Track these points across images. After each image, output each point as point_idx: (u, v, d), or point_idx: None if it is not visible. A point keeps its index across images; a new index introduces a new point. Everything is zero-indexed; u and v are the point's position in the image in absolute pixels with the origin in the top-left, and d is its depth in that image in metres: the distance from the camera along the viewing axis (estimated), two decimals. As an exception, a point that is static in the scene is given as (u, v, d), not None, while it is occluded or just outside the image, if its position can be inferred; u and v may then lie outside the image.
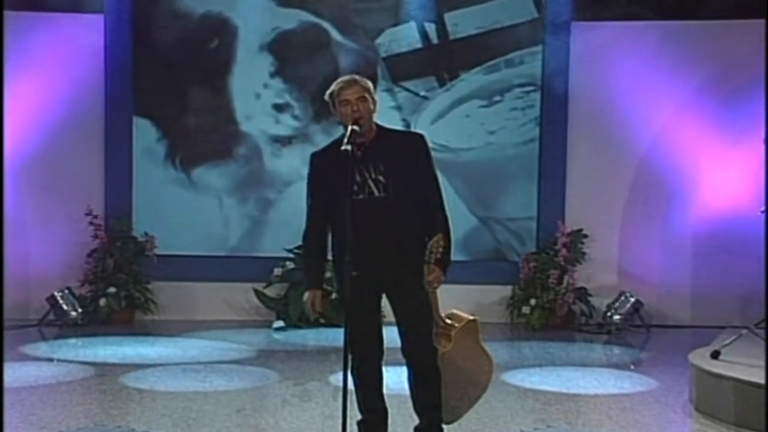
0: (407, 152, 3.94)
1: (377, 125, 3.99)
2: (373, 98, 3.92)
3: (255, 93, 8.05)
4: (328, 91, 3.94)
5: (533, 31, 7.94)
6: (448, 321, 4.09)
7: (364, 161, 3.88)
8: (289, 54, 8.03)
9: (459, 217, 7.68)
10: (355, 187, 3.86)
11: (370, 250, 3.83)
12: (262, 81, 8.04)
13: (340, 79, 3.96)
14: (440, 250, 3.82)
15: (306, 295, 4.05)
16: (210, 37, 8.01)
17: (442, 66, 8.05)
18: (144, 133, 8.01)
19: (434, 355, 4.00)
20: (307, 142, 7.83)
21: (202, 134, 8.05)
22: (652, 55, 7.89)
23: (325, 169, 3.96)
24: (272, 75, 8.04)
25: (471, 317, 4.13)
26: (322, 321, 7.57)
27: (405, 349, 4.02)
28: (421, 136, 4.05)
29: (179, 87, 8.01)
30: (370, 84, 3.95)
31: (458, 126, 8.05)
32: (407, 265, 3.91)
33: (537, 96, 7.97)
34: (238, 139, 8.06)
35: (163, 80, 7.99)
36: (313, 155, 4.09)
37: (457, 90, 8.05)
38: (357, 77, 3.96)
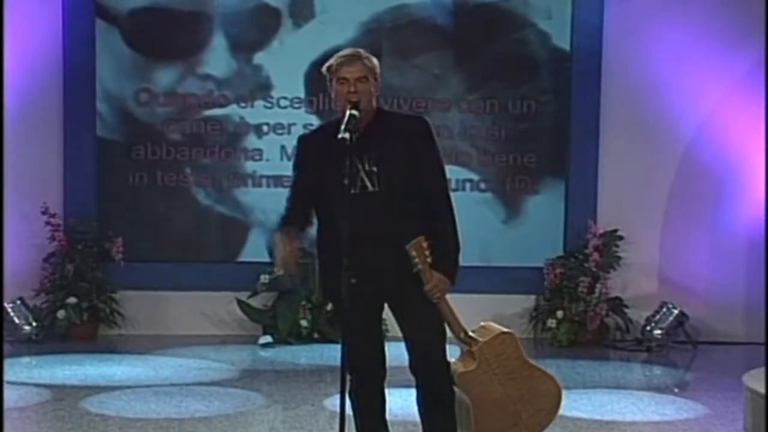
0: (405, 138, 3.95)
1: (378, 108, 3.99)
2: (376, 79, 3.94)
3: (234, 72, 8.03)
4: (326, 65, 3.96)
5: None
6: (472, 334, 4.06)
7: (358, 150, 3.86)
8: (275, 25, 8.01)
9: (474, 215, 7.67)
10: (347, 181, 3.85)
11: (367, 253, 3.83)
12: (242, 57, 8.03)
13: (341, 53, 3.96)
14: (426, 252, 3.82)
15: (276, 236, 3.98)
16: (181, 6, 7.98)
17: (458, 39, 8.02)
18: (108, 120, 8.01)
19: (446, 372, 4.01)
20: (294, 129, 7.81)
21: (173, 121, 8.04)
22: (699, 27, 7.88)
23: (314, 156, 3.97)
24: (254, 50, 8.02)
25: (504, 330, 4.11)
26: (316, 336, 7.60)
27: (412, 366, 4.03)
28: (423, 120, 4.07)
29: (147, 66, 7.98)
30: (375, 62, 3.97)
31: (477, 111, 8.04)
32: (410, 270, 3.91)
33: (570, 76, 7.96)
34: (216, 127, 8.03)
35: (129, 59, 7.97)
36: (301, 138, 4.13)
37: (477, 68, 8.03)
38: (362, 52, 3.96)
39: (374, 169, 3.89)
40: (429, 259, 3.86)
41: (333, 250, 3.86)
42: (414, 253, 3.84)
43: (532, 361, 4.16)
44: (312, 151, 4.01)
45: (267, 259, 7.77)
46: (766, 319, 6.91)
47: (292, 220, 4.04)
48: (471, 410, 4.01)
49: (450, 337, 4.03)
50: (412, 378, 4.05)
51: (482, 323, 4.20)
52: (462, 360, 4.08)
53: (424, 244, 3.86)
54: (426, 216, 3.94)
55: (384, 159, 3.89)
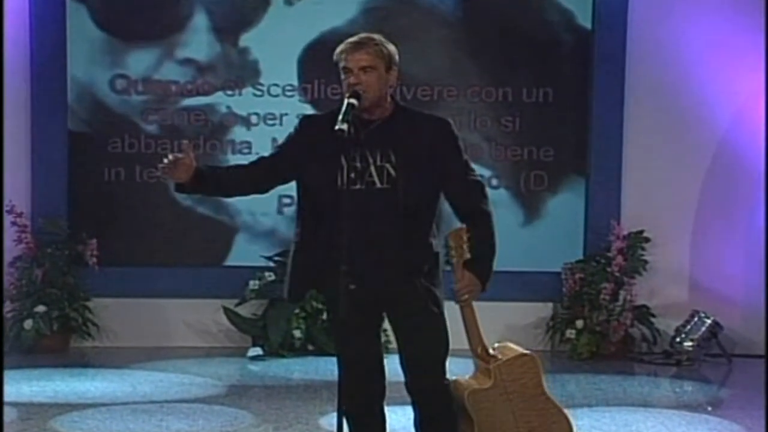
0: (428, 139, 3.98)
1: (395, 102, 4.02)
2: (389, 68, 3.96)
3: (218, 56, 8.03)
4: (335, 52, 3.98)
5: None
6: (492, 352, 4.06)
7: (369, 144, 3.92)
8: (263, 3, 7.97)
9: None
10: (352, 175, 3.88)
11: (368, 255, 3.84)
12: (227, 39, 8.02)
13: (349, 39, 3.99)
14: (464, 246, 3.84)
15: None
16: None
17: (467, 20, 8.00)
18: (79, 110, 8.01)
19: (446, 392, 4.03)
20: (287, 120, 7.81)
21: (152, 111, 8.04)
22: (734, 6, 7.88)
23: (313, 141, 3.98)
24: (240, 31, 8.01)
25: (526, 352, 4.11)
26: (310, 347, 7.60)
27: (409, 385, 4.06)
28: (447, 122, 4.11)
29: (120, 50, 7.98)
30: (390, 49, 3.98)
31: (488, 99, 8.04)
32: (413, 276, 3.94)
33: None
34: (199, 118, 8.03)
35: (100, 42, 7.97)
36: (304, 119, 4.16)
37: (488, 52, 8.03)
38: (373, 38, 3.98)
39: (387, 166, 3.92)
40: (466, 254, 3.87)
41: (312, 251, 3.93)
42: (452, 243, 3.87)
43: (550, 393, 4.15)
44: (312, 135, 4.01)
45: (257, 264, 7.79)
46: (766, 322, 6.92)
47: (232, 168, 4.40)
48: None
49: (452, 350, 4.04)
50: (409, 398, 4.07)
51: (497, 343, 4.20)
52: (476, 377, 4.08)
53: (464, 236, 3.88)
54: (465, 219, 3.99)
55: (403, 156, 3.92)
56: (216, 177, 4.11)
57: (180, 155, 3.92)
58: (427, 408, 4.05)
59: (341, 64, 3.93)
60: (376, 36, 4.00)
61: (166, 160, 3.92)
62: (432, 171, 3.96)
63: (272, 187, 4.17)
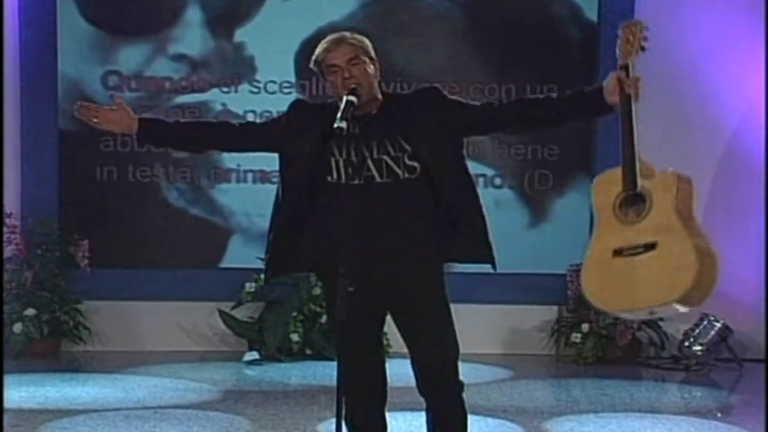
0: (424, 113, 3.98)
1: (383, 92, 4.03)
2: (372, 58, 3.98)
3: (212, 51, 8.04)
4: (312, 58, 4.00)
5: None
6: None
7: (365, 137, 3.91)
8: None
9: (489, 215, 7.67)
10: (349, 170, 3.88)
11: (366, 254, 3.84)
12: (221, 33, 8.03)
13: (324, 40, 4.00)
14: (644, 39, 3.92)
15: None
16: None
17: (470, 14, 8.01)
18: (70, 108, 7.98)
19: (459, 393, 4.03)
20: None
21: (145, 108, 8.04)
22: (744, 0, 7.89)
23: (302, 126, 4.00)
24: (235, 25, 8.02)
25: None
26: (308, 351, 7.61)
27: (421, 387, 4.04)
28: (433, 87, 4.14)
29: (110, 46, 8.00)
30: (366, 41, 4.00)
31: (491, 96, 8.02)
32: (420, 272, 3.94)
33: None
34: (194, 115, 8.03)
35: (89, 37, 7.98)
36: (298, 103, 4.20)
37: (491, 47, 8.03)
38: (346, 34, 4.01)
39: (385, 157, 3.92)
40: (643, 45, 3.97)
41: (286, 234, 4.03)
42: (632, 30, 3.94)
43: None
44: (305, 120, 4.02)
45: (253, 265, 7.78)
46: (766, 323, 6.91)
47: (206, 123, 4.58)
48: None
49: (463, 354, 4.05)
50: (422, 400, 4.06)
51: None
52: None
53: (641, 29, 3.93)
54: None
55: (407, 147, 3.91)
56: (174, 127, 4.35)
57: (92, 104, 4.17)
58: (440, 410, 4.04)
59: (326, 63, 3.94)
60: (347, 33, 4.03)
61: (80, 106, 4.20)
62: (442, 143, 3.96)
63: (246, 151, 4.36)
